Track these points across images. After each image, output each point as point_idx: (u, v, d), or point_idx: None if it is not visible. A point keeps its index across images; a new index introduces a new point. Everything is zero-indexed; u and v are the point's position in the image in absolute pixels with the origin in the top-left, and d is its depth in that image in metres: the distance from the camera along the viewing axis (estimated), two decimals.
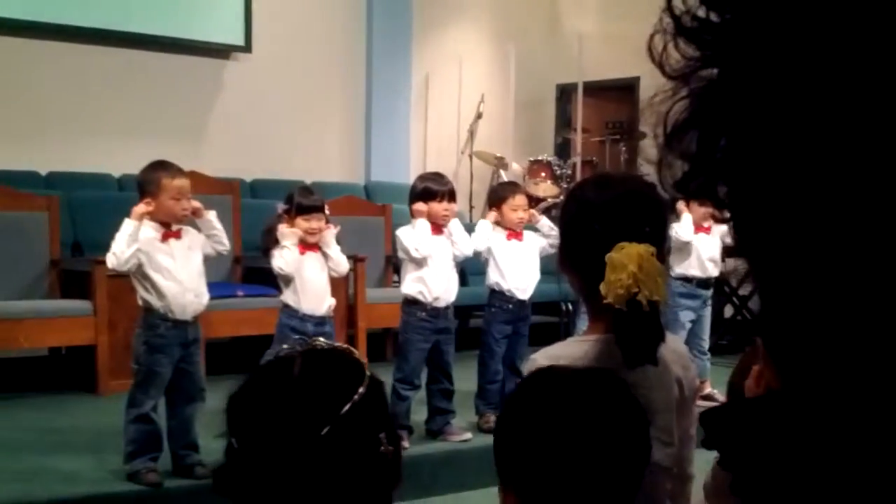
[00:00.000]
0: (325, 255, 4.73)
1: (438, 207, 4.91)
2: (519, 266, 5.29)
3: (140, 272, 4.23)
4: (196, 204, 4.34)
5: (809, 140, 0.47)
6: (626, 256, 1.70)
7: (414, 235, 4.90)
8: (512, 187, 5.72)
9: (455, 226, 5.01)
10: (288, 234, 4.60)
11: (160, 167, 4.28)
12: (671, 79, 0.53)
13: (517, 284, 5.27)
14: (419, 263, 4.90)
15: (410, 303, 4.98)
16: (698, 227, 5.72)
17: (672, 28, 0.53)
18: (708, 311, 5.99)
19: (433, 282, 4.93)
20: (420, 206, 4.92)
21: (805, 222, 0.48)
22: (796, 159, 0.48)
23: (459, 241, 5.00)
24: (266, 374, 1.35)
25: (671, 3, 0.53)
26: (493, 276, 5.31)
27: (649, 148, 0.56)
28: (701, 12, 0.52)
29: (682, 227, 5.64)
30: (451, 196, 4.98)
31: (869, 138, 0.46)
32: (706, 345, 5.99)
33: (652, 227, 1.78)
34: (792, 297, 0.50)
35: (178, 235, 4.29)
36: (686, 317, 5.85)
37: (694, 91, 0.52)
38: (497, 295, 5.30)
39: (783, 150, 0.48)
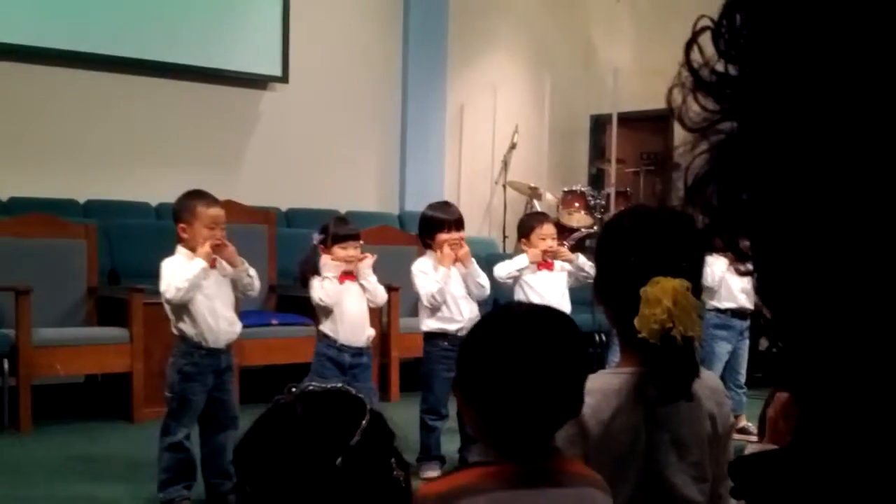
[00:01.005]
0: (362, 286, 4.74)
1: (446, 237, 4.93)
2: (548, 297, 5.28)
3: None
4: (232, 251, 4.36)
5: (831, 195, 0.47)
6: (661, 291, 1.69)
7: (428, 280, 4.90)
8: (540, 217, 5.75)
9: (473, 267, 5.02)
10: (330, 266, 4.61)
11: (196, 196, 4.32)
12: (691, 132, 0.53)
13: None
14: (434, 309, 4.92)
15: (432, 334, 4.99)
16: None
17: (691, 82, 0.53)
18: (745, 345, 5.91)
19: (452, 315, 4.94)
20: (442, 252, 4.92)
21: (828, 278, 0.48)
22: (818, 215, 0.48)
23: (477, 284, 5.00)
24: (269, 419, 1.38)
25: (690, 57, 0.53)
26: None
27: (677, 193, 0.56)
28: (720, 66, 0.52)
29: (715, 269, 5.55)
30: (458, 225, 4.98)
31: (892, 194, 0.46)
32: (743, 378, 5.92)
33: (688, 261, 1.77)
34: (815, 349, 0.50)
35: (213, 265, 4.32)
36: (723, 348, 5.80)
37: (713, 144, 0.53)
38: None
39: (805, 205, 0.49)
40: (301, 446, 1.31)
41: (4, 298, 5.79)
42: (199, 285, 4.19)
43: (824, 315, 0.49)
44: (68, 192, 7.57)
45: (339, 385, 1.44)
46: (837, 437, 0.50)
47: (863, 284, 0.47)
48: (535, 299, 5.28)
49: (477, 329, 1.66)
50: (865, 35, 0.47)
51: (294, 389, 1.40)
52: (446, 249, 4.91)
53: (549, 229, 5.38)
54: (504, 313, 1.70)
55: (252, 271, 4.44)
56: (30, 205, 6.92)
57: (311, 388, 1.41)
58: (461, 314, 4.96)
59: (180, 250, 4.26)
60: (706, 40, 0.53)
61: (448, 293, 4.93)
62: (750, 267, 0.54)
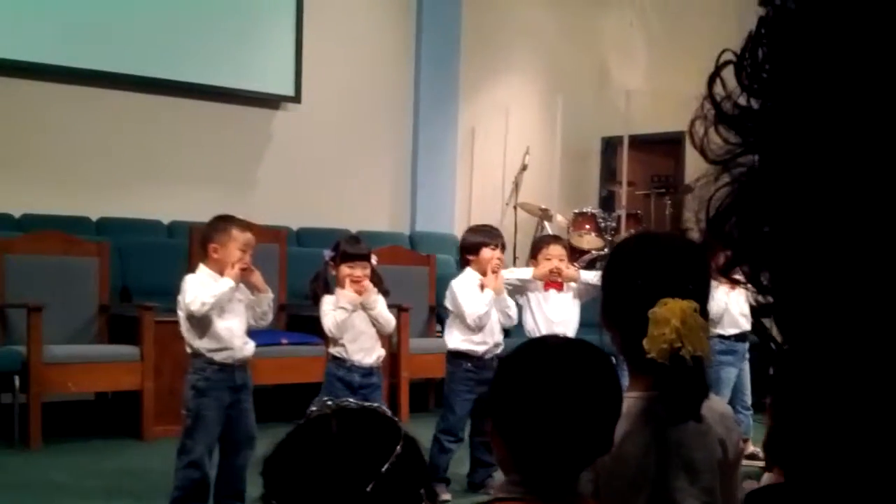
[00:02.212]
0: (372, 317, 4.74)
1: (492, 254, 4.95)
2: (553, 317, 5.27)
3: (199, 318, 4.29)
4: (258, 276, 4.41)
5: (853, 231, 0.48)
6: (670, 311, 1.70)
7: (475, 299, 4.91)
8: (549, 238, 5.77)
9: (505, 296, 5.04)
10: (345, 298, 4.60)
11: (229, 219, 4.42)
12: (713, 164, 0.54)
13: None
14: (478, 328, 4.93)
15: (457, 354, 4.98)
16: (733, 286, 5.72)
17: (713, 115, 0.54)
18: (747, 366, 5.93)
19: (483, 337, 4.95)
20: (485, 265, 4.95)
21: (847, 312, 0.49)
22: (839, 249, 0.49)
23: (506, 311, 5.03)
24: (303, 433, 1.35)
25: (712, 90, 0.54)
26: (530, 326, 5.30)
27: (691, 222, 0.56)
28: (742, 100, 0.53)
29: (717, 297, 5.61)
30: (502, 247, 5.03)
31: None
32: (749, 399, 5.92)
33: (695, 284, 1.78)
34: (831, 382, 0.51)
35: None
36: (730, 374, 5.81)
37: (735, 177, 0.53)
38: None
39: (826, 240, 0.49)
40: (333, 466, 1.28)
41: (16, 315, 5.82)
42: (223, 304, 4.23)
43: (842, 347, 0.50)
44: (81, 210, 7.60)
45: (376, 405, 1.42)
46: (854, 469, 0.50)
47: (883, 319, 0.48)
48: (541, 319, 5.27)
49: (512, 360, 1.65)
50: (888, 73, 0.48)
51: (330, 403, 1.37)
52: (497, 275, 4.95)
53: (555, 250, 5.37)
54: (540, 346, 1.69)
55: (272, 302, 4.50)
56: (43, 222, 6.95)
57: (347, 404, 1.38)
58: (492, 336, 4.98)
59: (203, 269, 4.29)
60: (728, 73, 0.54)
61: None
62: (770, 299, 0.54)
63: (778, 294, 0.54)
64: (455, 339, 4.98)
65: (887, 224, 0.47)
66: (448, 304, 5.06)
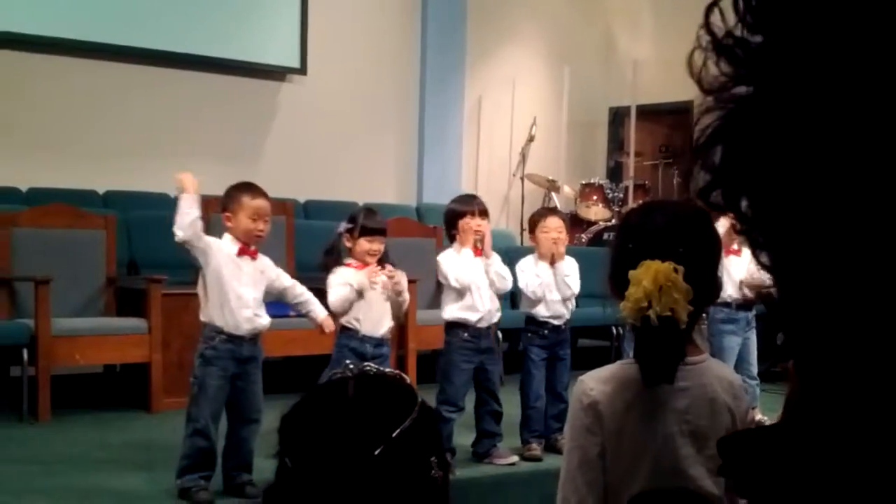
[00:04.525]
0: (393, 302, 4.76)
1: (471, 223, 4.92)
2: (552, 292, 5.25)
3: (204, 276, 4.31)
4: (328, 320, 4.57)
5: (838, 160, 0.48)
6: (644, 272, 1.71)
7: (455, 264, 4.91)
8: (545, 211, 5.71)
9: (495, 260, 5.00)
10: (352, 276, 4.61)
11: (244, 186, 4.44)
12: (707, 94, 0.54)
13: (553, 311, 5.24)
14: (461, 292, 4.91)
15: (453, 325, 4.98)
16: (728, 251, 5.67)
17: (710, 45, 0.54)
18: (753, 335, 5.86)
19: (474, 303, 4.94)
20: (466, 234, 4.92)
21: (828, 241, 0.48)
22: (824, 179, 0.48)
23: (498, 276, 4.99)
24: (320, 395, 1.36)
25: (710, 21, 0.53)
26: (527, 302, 5.28)
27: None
28: (738, 31, 0.53)
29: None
30: (482, 213, 4.99)
31: None
32: (755, 369, 5.87)
33: (686, 247, 1.77)
34: (815, 314, 0.50)
35: (254, 255, 4.38)
36: (732, 342, 5.76)
37: (724, 105, 0.53)
38: (531, 320, 5.29)
39: (810, 169, 0.49)
40: (346, 429, 1.28)
41: (24, 288, 5.83)
42: (201, 237, 4.24)
43: (825, 278, 0.49)
44: (88, 183, 7.60)
45: (397, 372, 1.42)
46: (833, 417, 0.50)
47: (868, 246, 0.47)
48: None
49: None
50: (883, 13, 0.47)
51: (352, 367, 1.38)
52: (467, 229, 4.92)
53: (552, 223, 5.33)
54: None
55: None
56: (49, 195, 6.95)
57: (367, 369, 1.39)
58: (483, 305, 4.96)
59: (227, 237, 4.35)
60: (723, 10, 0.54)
61: (472, 282, 4.93)
62: (748, 226, 0.54)
63: (757, 221, 0.53)
64: (449, 309, 4.98)
65: (873, 152, 0.47)
66: (439, 277, 5.05)
